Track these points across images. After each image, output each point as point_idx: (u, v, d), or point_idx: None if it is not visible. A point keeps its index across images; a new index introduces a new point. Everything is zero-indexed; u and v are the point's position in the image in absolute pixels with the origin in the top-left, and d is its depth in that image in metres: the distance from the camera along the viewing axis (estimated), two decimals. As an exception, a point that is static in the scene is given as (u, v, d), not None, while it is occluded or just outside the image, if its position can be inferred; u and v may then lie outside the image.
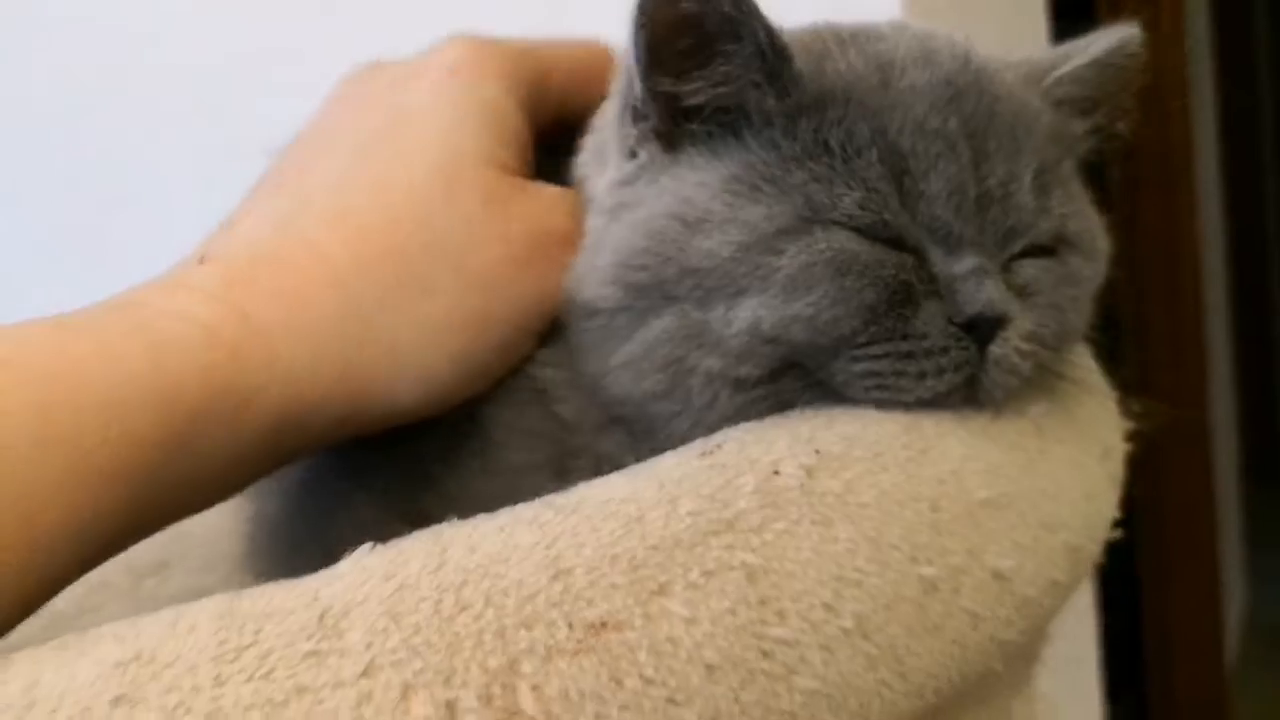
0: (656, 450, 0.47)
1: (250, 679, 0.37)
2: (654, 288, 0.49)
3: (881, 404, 0.47)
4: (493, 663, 0.37)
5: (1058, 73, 0.53)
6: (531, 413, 0.53)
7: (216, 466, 0.46)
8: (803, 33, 0.51)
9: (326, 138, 0.54)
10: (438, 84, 0.53)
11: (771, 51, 0.48)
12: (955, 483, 0.44)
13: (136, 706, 0.37)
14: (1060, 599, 0.47)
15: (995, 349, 0.47)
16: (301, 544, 0.56)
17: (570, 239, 0.52)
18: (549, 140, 0.56)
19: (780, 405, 0.48)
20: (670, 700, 0.37)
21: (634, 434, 0.50)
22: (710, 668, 0.38)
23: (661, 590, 0.38)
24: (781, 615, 0.39)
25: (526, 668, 0.37)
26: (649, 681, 0.37)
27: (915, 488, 0.43)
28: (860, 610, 0.40)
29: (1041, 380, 0.50)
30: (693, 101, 0.49)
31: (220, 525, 0.64)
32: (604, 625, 0.37)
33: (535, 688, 0.36)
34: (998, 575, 0.43)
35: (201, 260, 0.49)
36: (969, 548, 0.43)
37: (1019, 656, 0.50)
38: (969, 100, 0.49)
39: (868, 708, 0.40)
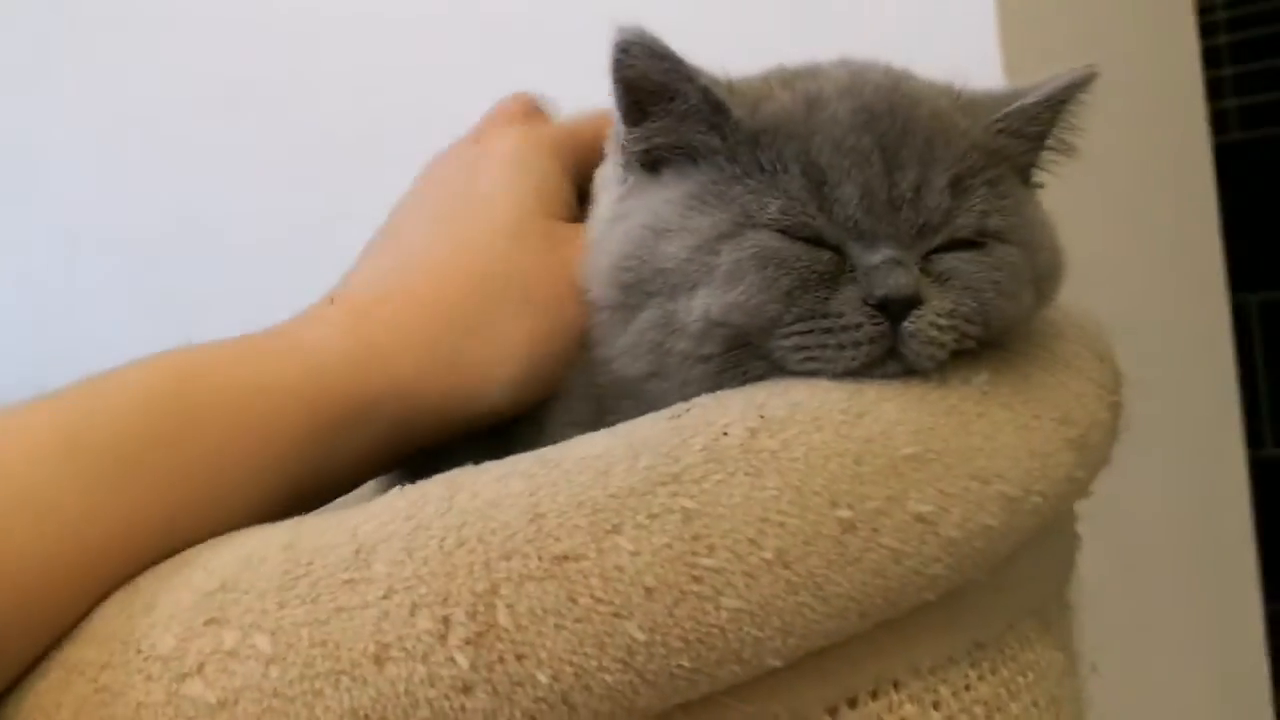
0: None
1: (304, 602, 0.48)
2: (637, 286, 0.60)
3: (813, 374, 0.57)
4: (479, 587, 0.48)
5: (1008, 108, 0.62)
6: (579, 382, 0.65)
7: (348, 459, 0.61)
8: (755, 79, 0.63)
9: (417, 211, 0.69)
10: (503, 165, 0.68)
11: (707, 105, 0.59)
12: (882, 440, 0.53)
13: (224, 626, 0.49)
14: (999, 542, 0.54)
15: (908, 325, 0.56)
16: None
17: None
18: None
19: (742, 377, 0.58)
20: (615, 615, 0.47)
21: (641, 403, 0.60)
22: (649, 589, 0.48)
23: (615, 530, 0.49)
24: (711, 549, 0.49)
25: (504, 590, 0.47)
26: (599, 600, 0.47)
27: (843, 445, 0.52)
28: (781, 545, 0.49)
29: (988, 355, 0.59)
30: (654, 142, 0.61)
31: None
32: (565, 557, 0.48)
33: (510, 606, 0.47)
34: (919, 518, 0.52)
35: (331, 302, 0.65)
36: (889, 494, 0.51)
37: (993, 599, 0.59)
38: (883, 121, 0.59)
39: (790, 625, 0.49)
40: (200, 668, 0.48)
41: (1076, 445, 0.59)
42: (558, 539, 0.48)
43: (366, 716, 0.46)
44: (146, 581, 0.52)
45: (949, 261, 0.59)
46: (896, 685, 0.55)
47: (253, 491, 0.57)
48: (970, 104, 0.62)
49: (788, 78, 0.63)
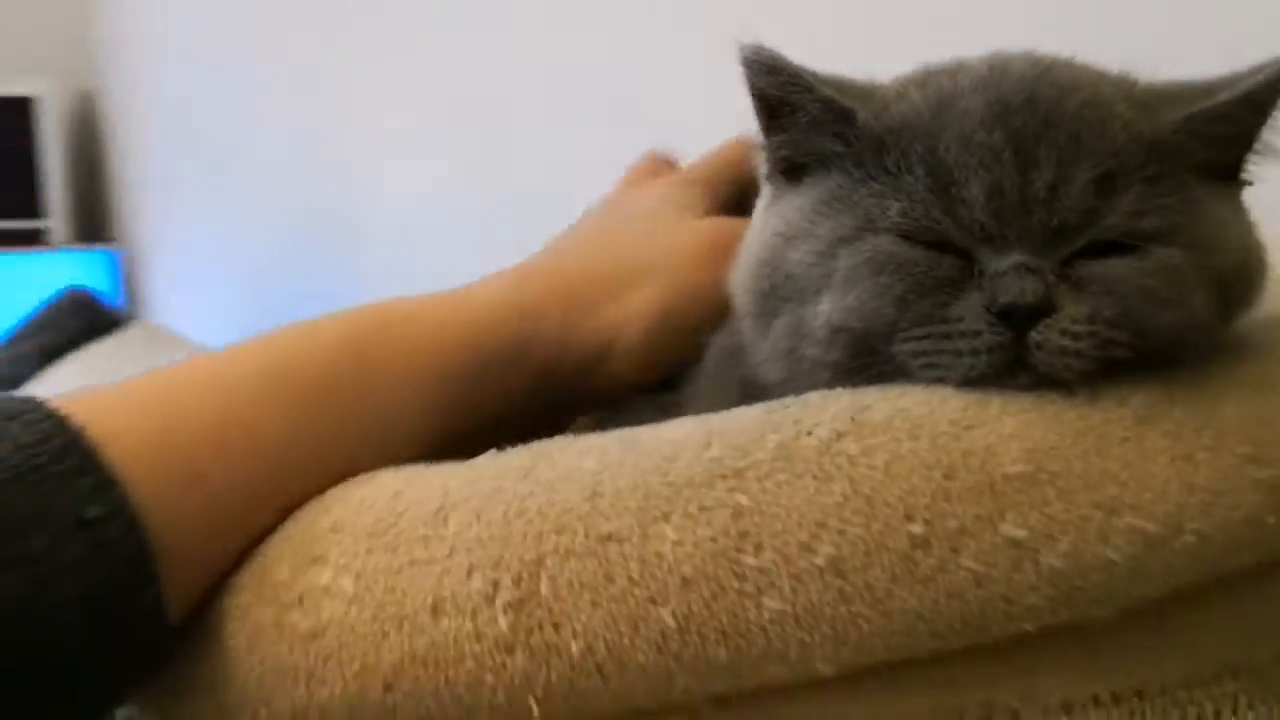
0: None
1: (386, 551, 0.52)
2: (771, 293, 0.59)
3: (935, 381, 0.53)
4: (528, 556, 0.49)
5: (1194, 108, 0.55)
6: (727, 369, 0.66)
7: (501, 402, 0.67)
8: (891, 82, 0.60)
9: (592, 217, 0.79)
10: (657, 192, 0.77)
11: (830, 114, 0.57)
12: (984, 455, 0.49)
13: (323, 564, 0.53)
14: (1129, 581, 0.49)
15: (1035, 334, 0.52)
16: None
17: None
18: None
19: (872, 382, 0.55)
20: (650, 599, 0.48)
21: None
22: (685, 579, 0.48)
23: (663, 517, 0.49)
24: (758, 547, 0.48)
25: (549, 562, 0.49)
26: (634, 582, 0.48)
27: (935, 456, 0.49)
28: (835, 553, 0.47)
29: (1162, 374, 0.53)
30: (786, 152, 0.61)
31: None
32: (609, 537, 0.49)
33: (551, 577, 0.49)
34: (1013, 543, 0.48)
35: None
36: (978, 514, 0.48)
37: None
38: (1020, 113, 0.54)
39: (843, 634, 0.47)
40: (301, 600, 0.52)
41: (1269, 488, 0.52)
42: (607, 519, 0.49)
43: (422, 661, 0.49)
44: (292, 516, 0.57)
45: (1092, 266, 0.54)
46: (1015, 715, 0.52)
47: (420, 427, 0.63)
48: (1149, 97, 0.57)
49: (926, 76, 0.59)
